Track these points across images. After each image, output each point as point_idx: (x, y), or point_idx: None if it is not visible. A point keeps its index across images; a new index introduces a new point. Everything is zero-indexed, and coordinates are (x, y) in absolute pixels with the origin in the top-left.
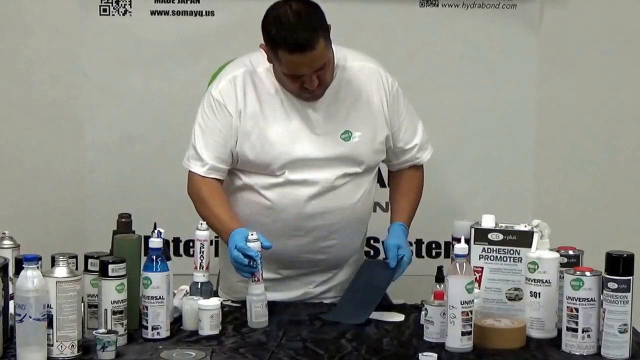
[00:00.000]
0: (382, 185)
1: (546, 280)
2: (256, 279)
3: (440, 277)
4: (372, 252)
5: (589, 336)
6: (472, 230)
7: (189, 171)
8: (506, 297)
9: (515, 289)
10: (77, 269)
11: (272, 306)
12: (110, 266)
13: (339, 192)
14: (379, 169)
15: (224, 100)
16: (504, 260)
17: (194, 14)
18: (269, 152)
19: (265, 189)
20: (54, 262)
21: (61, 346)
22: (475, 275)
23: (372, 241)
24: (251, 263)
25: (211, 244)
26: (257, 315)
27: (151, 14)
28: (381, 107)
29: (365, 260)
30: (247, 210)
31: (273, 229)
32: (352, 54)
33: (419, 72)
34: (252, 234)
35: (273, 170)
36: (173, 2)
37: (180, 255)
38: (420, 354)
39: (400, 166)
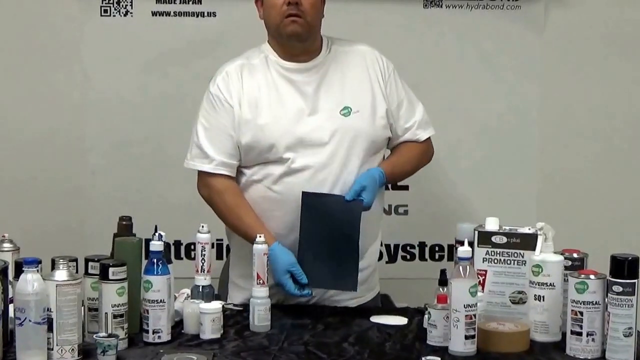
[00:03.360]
0: (386, 187)
1: (550, 284)
2: (261, 281)
3: (443, 280)
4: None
5: (593, 340)
6: (476, 233)
7: (198, 171)
8: (510, 300)
9: (519, 292)
10: (77, 272)
11: (274, 309)
12: (111, 269)
13: (345, 170)
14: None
15: (223, 94)
16: (507, 263)
17: (195, 15)
18: (272, 133)
19: (271, 181)
20: (54, 265)
21: (61, 350)
22: (478, 278)
23: None
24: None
25: (212, 246)
26: (260, 319)
27: (152, 15)
28: (377, 82)
29: (305, 195)
30: (256, 207)
31: (283, 222)
32: (348, 40)
33: (423, 73)
34: (259, 236)
35: (277, 152)
36: (174, 3)
37: (182, 259)
38: (423, 358)
39: (399, 144)
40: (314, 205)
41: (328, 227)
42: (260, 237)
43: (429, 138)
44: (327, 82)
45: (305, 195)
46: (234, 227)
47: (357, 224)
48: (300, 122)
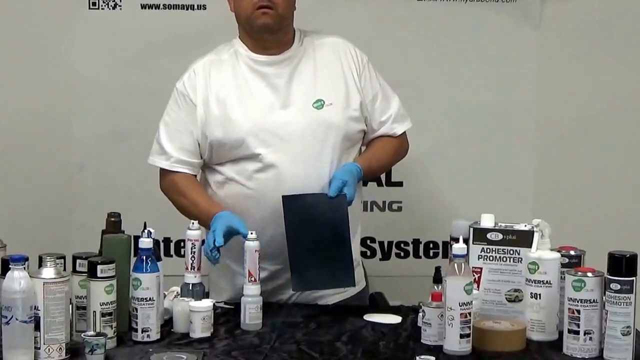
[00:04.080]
0: (379, 184)
1: (547, 281)
2: (253, 279)
3: (438, 278)
4: (368, 253)
5: (591, 339)
6: (471, 229)
7: (159, 169)
8: (506, 298)
9: (515, 290)
10: (65, 269)
11: (266, 307)
12: (99, 267)
13: (319, 164)
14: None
15: (187, 91)
16: (503, 261)
17: (185, 8)
18: (241, 128)
19: (245, 177)
20: (41, 263)
21: (49, 349)
22: (474, 276)
23: (368, 241)
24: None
25: (203, 243)
26: (251, 318)
27: (141, 8)
28: (351, 74)
29: (285, 199)
30: (232, 205)
31: (260, 218)
32: (321, 32)
33: (417, 66)
34: (251, 233)
35: (248, 148)
36: None
37: (171, 256)
38: (417, 357)
39: (374, 138)
40: (297, 208)
41: (315, 228)
42: (252, 234)
43: (405, 132)
44: (299, 74)
45: (286, 199)
46: (193, 216)
47: (345, 219)
48: (271, 116)
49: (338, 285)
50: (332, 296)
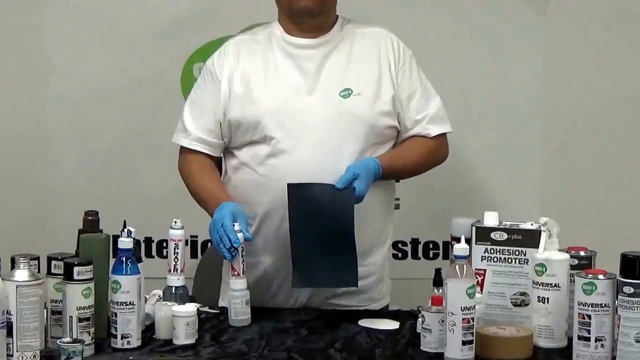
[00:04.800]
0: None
1: (555, 284)
2: (236, 273)
3: (438, 281)
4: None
5: (602, 346)
6: (473, 228)
7: (180, 147)
8: (511, 302)
9: (521, 294)
10: (39, 271)
11: (254, 312)
12: (76, 269)
13: (337, 156)
14: None
15: (215, 69)
16: (508, 262)
17: None
18: (260, 109)
19: (257, 162)
20: (13, 264)
21: (22, 356)
22: (477, 278)
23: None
24: (232, 250)
25: (186, 244)
26: (237, 313)
27: None
28: (388, 67)
29: (291, 187)
30: (242, 192)
31: (268, 207)
32: (367, 23)
33: (418, 55)
34: (235, 224)
35: (263, 130)
36: None
37: (153, 257)
38: None
39: (407, 138)
40: (302, 197)
41: (319, 220)
42: (235, 225)
43: (444, 136)
44: (332, 60)
45: (291, 187)
46: (200, 199)
47: (350, 213)
48: (294, 100)
49: (340, 285)
50: (354, 306)
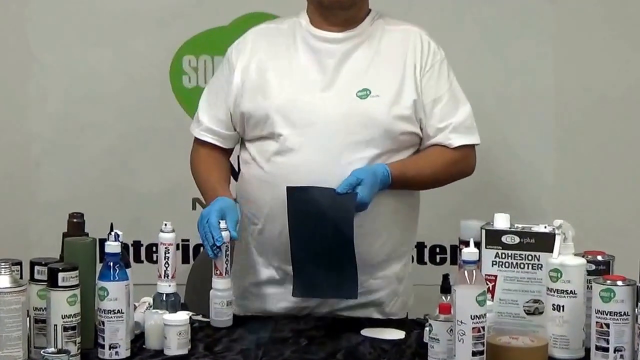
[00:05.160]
0: None
1: (571, 291)
2: (219, 272)
3: (446, 287)
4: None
5: (622, 356)
6: (483, 231)
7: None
8: (524, 310)
9: (535, 301)
10: (21, 277)
11: (250, 321)
12: (61, 274)
13: (346, 159)
14: None
15: (232, 57)
16: (521, 268)
17: None
18: (271, 102)
19: (264, 159)
20: None
21: None
22: (487, 284)
23: None
24: (214, 249)
25: (178, 248)
26: (218, 313)
27: None
28: (413, 69)
29: (290, 190)
30: (250, 187)
31: (271, 208)
32: (400, 20)
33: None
34: (220, 222)
35: (272, 125)
36: None
37: (142, 262)
38: None
39: (428, 146)
40: (301, 201)
41: (319, 226)
42: (221, 223)
43: (470, 148)
44: (354, 57)
45: (291, 190)
46: (202, 191)
47: (350, 220)
48: (307, 96)
49: (339, 295)
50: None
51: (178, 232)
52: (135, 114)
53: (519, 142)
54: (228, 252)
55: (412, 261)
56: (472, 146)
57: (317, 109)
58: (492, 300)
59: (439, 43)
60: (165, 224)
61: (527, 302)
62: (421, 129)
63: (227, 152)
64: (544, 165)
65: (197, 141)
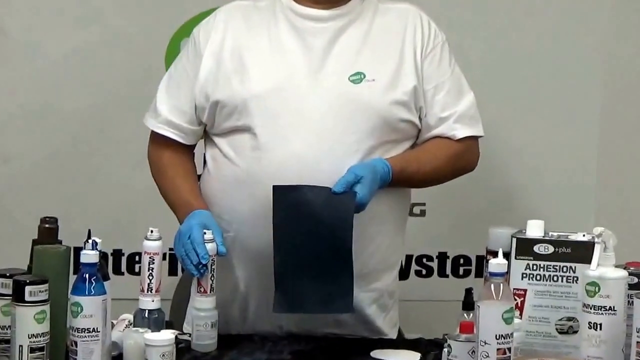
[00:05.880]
0: None
1: (610, 307)
2: (203, 289)
3: (468, 303)
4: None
5: None
6: (514, 240)
7: (151, 132)
8: (557, 329)
9: (569, 319)
10: None
11: (243, 341)
12: (28, 288)
13: (339, 152)
14: None
15: (200, 38)
16: (554, 281)
17: None
18: (249, 89)
19: (239, 155)
20: None
21: None
22: (515, 300)
23: None
24: (200, 267)
25: (164, 258)
26: (200, 337)
27: None
28: (412, 51)
29: (277, 190)
30: (220, 189)
31: (250, 212)
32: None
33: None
34: (205, 232)
35: (249, 115)
36: None
37: (122, 274)
38: None
39: (429, 138)
40: (290, 203)
41: (311, 231)
42: (206, 233)
43: (473, 140)
44: (345, 38)
45: (278, 190)
46: (170, 202)
47: (349, 223)
48: (292, 81)
49: (332, 310)
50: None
51: (165, 240)
52: (122, 105)
53: (556, 141)
54: (214, 267)
55: (432, 274)
56: (476, 138)
57: (303, 96)
58: (521, 318)
59: (478, 39)
60: (151, 231)
61: (560, 319)
62: (420, 119)
63: (190, 150)
64: (585, 168)
65: (155, 137)
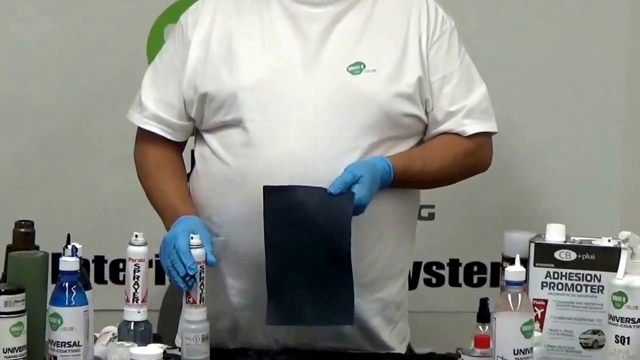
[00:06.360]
0: None
1: (638, 319)
2: (192, 299)
3: (484, 315)
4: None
5: None
6: (532, 245)
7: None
8: (581, 343)
9: (594, 332)
10: None
11: (237, 356)
12: (3, 298)
13: (337, 149)
14: None
15: (188, 25)
16: (577, 290)
17: None
18: (240, 80)
19: (229, 152)
20: None
21: None
22: (535, 311)
23: None
24: (188, 279)
25: (150, 265)
26: (189, 351)
27: None
28: (417, 39)
29: (268, 191)
30: (209, 189)
31: (239, 214)
32: None
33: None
34: (192, 237)
35: (239, 109)
36: None
37: (105, 282)
38: None
39: (436, 135)
40: (282, 205)
41: (305, 235)
42: (193, 238)
43: (486, 137)
44: (343, 24)
45: (269, 190)
46: (157, 206)
47: (346, 226)
48: (285, 72)
49: (330, 322)
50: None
51: (151, 246)
52: (101, 98)
53: (577, 138)
54: (203, 275)
55: (443, 283)
56: (489, 135)
57: (297, 88)
58: (541, 331)
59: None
60: (136, 235)
61: (585, 333)
62: (426, 114)
63: (180, 148)
64: (609, 165)
65: (141, 134)
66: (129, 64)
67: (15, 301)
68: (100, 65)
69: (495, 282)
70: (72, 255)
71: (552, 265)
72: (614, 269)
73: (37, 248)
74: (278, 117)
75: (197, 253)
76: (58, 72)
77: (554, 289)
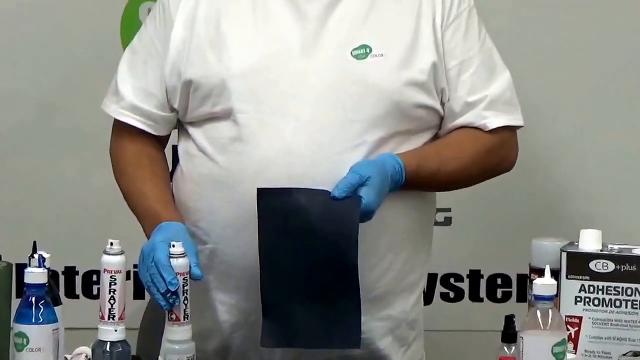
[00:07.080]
0: None
1: None
2: (174, 317)
3: (510, 334)
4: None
5: None
6: (564, 255)
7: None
8: None
9: (635, 355)
10: None
11: None
12: None
13: (340, 145)
14: None
15: (170, 2)
16: (616, 306)
17: None
18: (229, 67)
19: (217, 148)
20: None
21: None
22: (568, 330)
23: None
24: (169, 296)
25: (128, 277)
26: None
27: None
28: (431, 20)
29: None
30: (195, 191)
31: (230, 218)
32: None
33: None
34: (174, 245)
35: (229, 99)
36: None
37: (77, 297)
38: None
39: (454, 129)
40: (279, 209)
41: (305, 244)
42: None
43: (511, 131)
44: (347, 3)
45: (264, 193)
46: (137, 211)
47: (353, 234)
48: (282, 58)
49: (334, 345)
50: None
51: (130, 255)
52: (71, 86)
53: (612, 135)
54: (187, 289)
55: (463, 297)
56: (514, 129)
57: (295, 75)
58: (575, 353)
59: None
60: (112, 244)
61: (625, 355)
62: (443, 105)
63: (161, 144)
64: None
65: (118, 127)
66: (101, 47)
67: None
68: (71, 48)
69: (522, 297)
70: (40, 267)
71: (588, 278)
72: None
73: (0, 258)
74: (273, 109)
75: (180, 263)
76: (22, 55)
77: (589, 305)
